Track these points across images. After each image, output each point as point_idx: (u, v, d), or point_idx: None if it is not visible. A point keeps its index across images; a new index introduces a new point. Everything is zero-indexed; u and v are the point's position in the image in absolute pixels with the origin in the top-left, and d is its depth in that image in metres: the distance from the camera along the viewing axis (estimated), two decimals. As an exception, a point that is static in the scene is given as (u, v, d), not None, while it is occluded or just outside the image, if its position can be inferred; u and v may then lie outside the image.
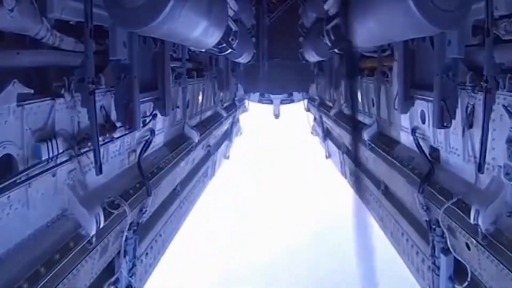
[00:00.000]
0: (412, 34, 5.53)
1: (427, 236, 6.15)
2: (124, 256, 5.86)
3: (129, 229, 5.86)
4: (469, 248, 4.94)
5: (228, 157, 17.14)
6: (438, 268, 5.80)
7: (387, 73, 7.84)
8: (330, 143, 16.00)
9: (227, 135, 16.47)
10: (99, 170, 4.68)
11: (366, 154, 9.44)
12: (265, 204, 41.99)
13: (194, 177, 10.81)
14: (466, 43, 4.79)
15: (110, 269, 5.73)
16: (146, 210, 6.42)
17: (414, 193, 6.24)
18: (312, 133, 20.10)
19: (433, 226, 5.83)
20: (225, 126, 15.30)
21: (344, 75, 11.36)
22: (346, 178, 13.60)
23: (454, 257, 5.49)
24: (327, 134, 16.31)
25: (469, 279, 5.11)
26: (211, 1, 5.94)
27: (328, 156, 16.82)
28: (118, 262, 5.80)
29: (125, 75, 5.29)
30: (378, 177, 9.16)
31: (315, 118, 18.92)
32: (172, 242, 9.01)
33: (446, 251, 5.61)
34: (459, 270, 5.52)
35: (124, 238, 5.77)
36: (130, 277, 6.04)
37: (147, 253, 7.12)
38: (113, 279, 5.68)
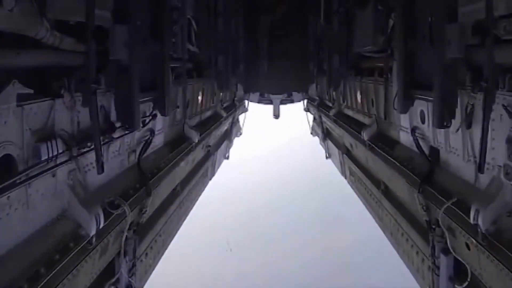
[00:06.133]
0: None
1: (427, 236, 6.15)
2: (124, 256, 5.85)
3: (129, 229, 5.85)
4: (469, 248, 4.94)
5: (228, 157, 17.14)
6: (438, 268, 5.79)
7: (387, 73, 7.85)
8: (330, 143, 15.99)
9: (227, 135, 16.47)
10: (101, 169, 4.67)
11: (366, 154, 9.44)
12: (264, 204, 41.96)
13: (194, 177, 10.81)
14: (466, 43, 4.79)
15: (110, 269, 5.72)
16: (146, 210, 6.41)
17: (414, 193, 6.23)
18: (312, 133, 20.09)
19: (433, 226, 5.83)
20: (224, 126, 15.30)
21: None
22: (346, 178, 13.60)
23: (454, 257, 5.48)
24: (327, 134, 16.31)
25: (469, 279, 5.10)
26: None
27: (328, 156, 16.81)
28: (118, 262, 5.79)
29: (125, 75, 5.29)
30: (378, 177, 9.16)
31: (314, 118, 18.91)
32: (172, 242, 9.01)
33: (446, 251, 5.61)
34: (459, 270, 5.51)
35: (124, 238, 5.76)
36: (130, 277, 6.03)
37: (147, 253, 7.11)
38: (113, 279, 5.67)
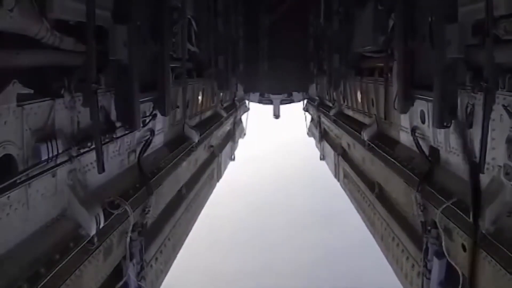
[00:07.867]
0: None
1: (419, 241, 6.09)
2: (131, 259, 5.78)
3: (133, 231, 5.82)
4: (465, 250, 4.91)
5: (233, 159, 17.13)
6: (430, 271, 5.73)
7: (387, 73, 7.85)
8: (325, 144, 15.99)
9: (231, 137, 16.46)
10: (102, 169, 4.66)
11: (363, 155, 9.44)
12: (264, 204, 41.98)
13: (200, 179, 10.76)
14: (466, 43, 4.79)
15: (118, 273, 5.64)
16: (149, 210, 6.38)
17: (412, 194, 6.22)
18: (308, 133, 20.06)
19: (429, 228, 5.79)
20: (227, 127, 15.29)
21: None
22: (339, 180, 13.55)
23: (447, 260, 5.41)
24: (323, 135, 16.31)
25: (460, 285, 5.00)
26: None
27: (323, 157, 16.79)
28: (125, 265, 5.71)
29: (125, 75, 5.30)
30: (373, 179, 9.15)
31: (312, 119, 18.91)
32: (182, 246, 8.87)
33: (439, 254, 5.53)
34: (451, 275, 5.43)
35: (128, 240, 5.70)
36: (139, 281, 5.96)
37: (157, 258, 7.02)
38: (121, 283, 5.57)
